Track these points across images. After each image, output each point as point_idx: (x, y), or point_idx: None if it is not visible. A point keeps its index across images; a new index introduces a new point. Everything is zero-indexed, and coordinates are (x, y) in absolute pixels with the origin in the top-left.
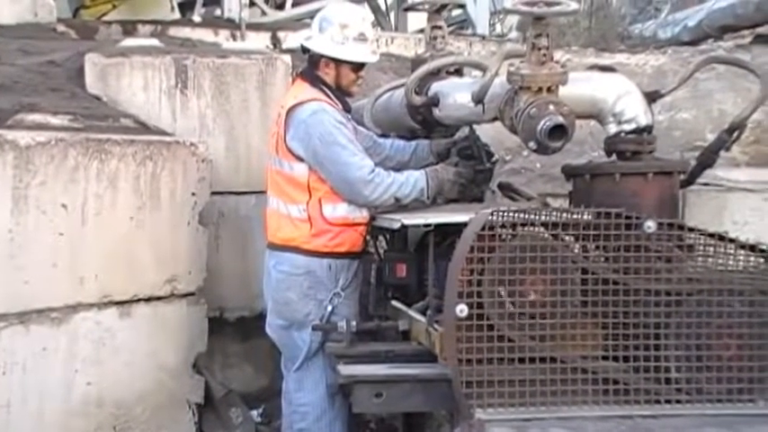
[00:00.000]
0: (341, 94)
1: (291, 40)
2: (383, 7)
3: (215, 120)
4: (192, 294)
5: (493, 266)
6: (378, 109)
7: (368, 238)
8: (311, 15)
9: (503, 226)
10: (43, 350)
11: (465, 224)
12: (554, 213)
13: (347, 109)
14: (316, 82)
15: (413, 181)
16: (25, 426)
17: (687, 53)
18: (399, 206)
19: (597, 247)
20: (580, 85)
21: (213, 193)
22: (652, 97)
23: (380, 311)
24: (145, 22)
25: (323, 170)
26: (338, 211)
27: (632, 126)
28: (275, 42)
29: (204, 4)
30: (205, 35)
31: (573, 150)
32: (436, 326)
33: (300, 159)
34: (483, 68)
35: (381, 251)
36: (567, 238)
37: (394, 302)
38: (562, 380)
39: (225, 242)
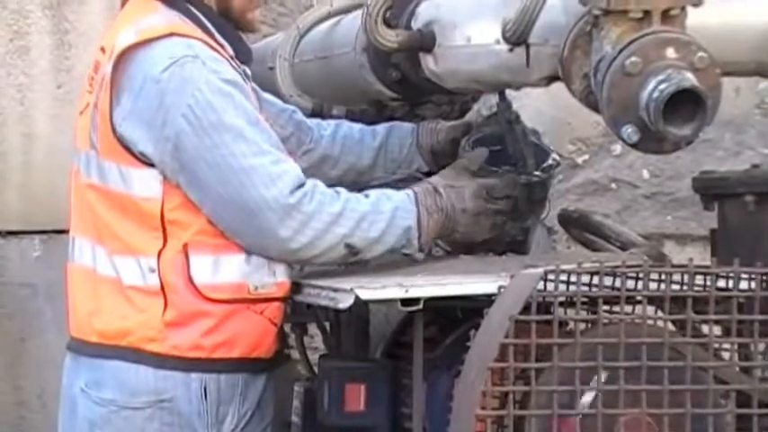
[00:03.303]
0: (230, 24)
1: None
2: None
3: None
4: None
5: (547, 388)
6: (306, 58)
7: (286, 330)
8: None
9: (569, 303)
10: None
11: (490, 299)
12: (678, 277)
13: (243, 57)
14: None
15: (388, 210)
16: None
17: None
18: (354, 262)
19: None
20: (733, 7)
21: None
22: None
23: None
24: None
25: (194, 184)
26: (225, 270)
27: None
28: None
29: None
30: None
31: (720, 144)
32: None
33: (145, 161)
34: None
35: (315, 358)
36: (706, 328)
37: None
38: None
39: None
